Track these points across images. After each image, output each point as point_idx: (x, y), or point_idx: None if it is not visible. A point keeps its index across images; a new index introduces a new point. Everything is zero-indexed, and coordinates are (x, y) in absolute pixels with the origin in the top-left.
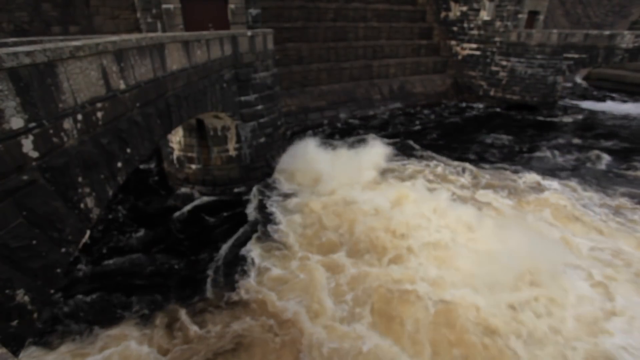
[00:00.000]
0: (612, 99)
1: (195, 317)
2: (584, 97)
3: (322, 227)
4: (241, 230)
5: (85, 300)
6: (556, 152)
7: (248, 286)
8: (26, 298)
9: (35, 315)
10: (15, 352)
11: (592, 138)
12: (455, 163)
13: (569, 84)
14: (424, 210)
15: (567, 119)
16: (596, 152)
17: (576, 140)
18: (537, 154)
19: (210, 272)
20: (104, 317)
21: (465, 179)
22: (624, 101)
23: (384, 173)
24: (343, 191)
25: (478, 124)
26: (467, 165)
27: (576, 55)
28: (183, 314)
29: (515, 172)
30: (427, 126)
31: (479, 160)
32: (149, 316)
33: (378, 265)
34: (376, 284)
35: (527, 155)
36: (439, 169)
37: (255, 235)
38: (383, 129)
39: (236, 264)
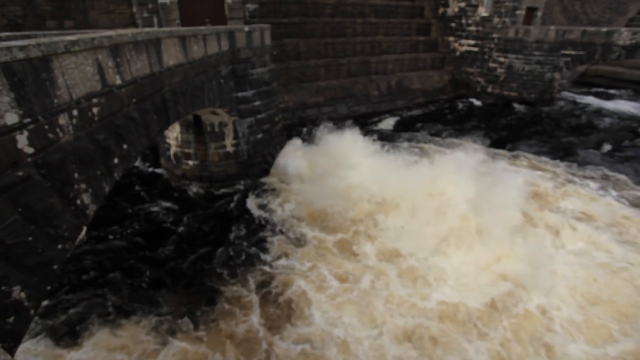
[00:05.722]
0: (609, 96)
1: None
2: (581, 94)
3: None
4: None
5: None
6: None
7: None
8: (22, 295)
9: (31, 312)
10: (11, 350)
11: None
12: None
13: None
14: None
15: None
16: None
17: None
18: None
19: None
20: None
21: None
22: (621, 98)
23: None
24: None
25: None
26: None
27: (573, 52)
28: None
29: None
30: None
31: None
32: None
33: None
34: None
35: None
36: None
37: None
38: None
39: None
